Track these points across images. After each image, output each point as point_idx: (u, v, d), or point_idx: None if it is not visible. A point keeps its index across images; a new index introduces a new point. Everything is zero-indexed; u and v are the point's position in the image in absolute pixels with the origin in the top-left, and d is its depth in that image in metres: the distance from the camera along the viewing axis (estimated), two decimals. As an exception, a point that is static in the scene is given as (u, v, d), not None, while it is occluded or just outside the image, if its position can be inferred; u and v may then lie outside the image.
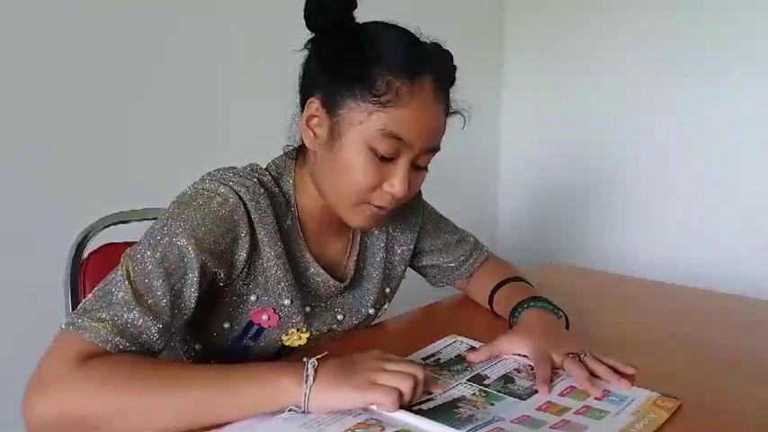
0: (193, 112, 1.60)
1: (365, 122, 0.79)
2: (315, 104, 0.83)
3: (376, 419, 0.67)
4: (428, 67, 0.81)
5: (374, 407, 0.68)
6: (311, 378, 0.67)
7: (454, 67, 0.87)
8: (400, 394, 0.68)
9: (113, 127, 1.47)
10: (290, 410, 0.66)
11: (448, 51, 0.87)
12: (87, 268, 1.01)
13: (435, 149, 0.85)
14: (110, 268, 0.75)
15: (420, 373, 0.71)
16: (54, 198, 1.37)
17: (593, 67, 2.28)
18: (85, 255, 1.02)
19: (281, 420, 0.66)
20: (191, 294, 0.75)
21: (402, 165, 0.81)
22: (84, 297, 0.97)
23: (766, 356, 0.95)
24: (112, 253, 1.02)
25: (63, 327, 0.69)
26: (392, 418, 0.67)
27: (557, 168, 2.45)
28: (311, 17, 0.81)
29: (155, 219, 1.08)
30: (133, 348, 0.69)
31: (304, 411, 0.66)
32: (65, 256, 1.01)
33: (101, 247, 1.03)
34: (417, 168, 0.85)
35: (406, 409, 0.68)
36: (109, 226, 1.05)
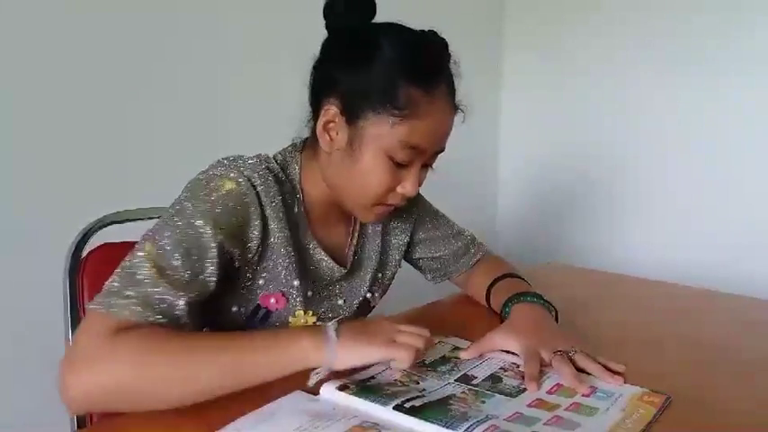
0: (193, 112, 1.61)
1: (386, 134, 0.82)
2: (332, 111, 0.84)
3: (372, 422, 0.67)
4: (442, 74, 0.84)
5: (392, 363, 0.76)
6: (333, 338, 0.72)
7: (451, 57, 0.88)
8: (417, 351, 0.75)
9: (113, 127, 1.47)
10: (316, 372, 0.71)
11: (444, 41, 0.88)
12: (86, 268, 1.01)
13: (443, 150, 0.89)
14: (109, 268, 0.75)
15: (428, 334, 0.79)
16: (53, 197, 1.38)
17: (593, 67, 2.29)
18: (84, 254, 1.02)
19: (279, 420, 0.67)
20: (211, 272, 0.77)
21: (415, 169, 0.87)
22: (83, 296, 0.99)
23: (765, 356, 0.95)
24: (111, 252, 1.02)
25: (91, 307, 0.70)
26: (388, 421, 0.67)
27: (556, 168, 2.45)
28: (331, 20, 0.84)
29: (154, 218, 1.09)
30: (161, 321, 0.71)
31: (330, 369, 0.72)
32: (63, 255, 1.01)
33: (99, 246, 1.04)
34: (424, 166, 0.89)
35: (400, 408, 0.69)
36: (107, 225, 1.06)
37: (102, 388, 0.66)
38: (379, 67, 0.81)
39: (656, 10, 2.11)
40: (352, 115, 0.83)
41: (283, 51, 1.74)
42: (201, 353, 0.69)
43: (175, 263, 0.74)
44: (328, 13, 0.85)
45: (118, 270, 0.74)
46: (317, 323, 0.94)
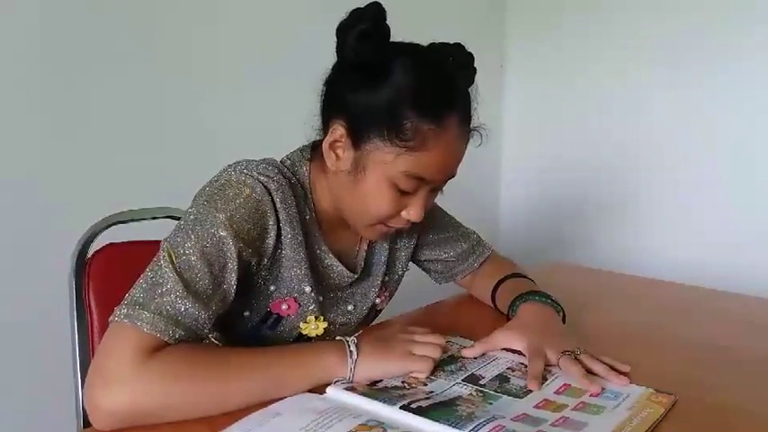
0: (196, 113, 1.61)
1: (390, 163, 0.81)
2: (339, 131, 0.84)
3: (377, 421, 0.67)
4: (455, 104, 0.83)
5: (414, 374, 0.79)
6: (355, 354, 0.76)
7: (475, 72, 0.86)
8: (434, 361, 0.79)
9: (117, 127, 1.48)
10: (336, 381, 0.75)
11: (469, 56, 0.86)
12: (92, 268, 1.01)
13: (454, 176, 0.88)
14: (114, 268, 0.76)
15: (443, 341, 0.84)
16: (58, 198, 1.38)
17: (595, 66, 2.29)
18: (89, 254, 1.03)
19: (285, 419, 0.67)
20: (231, 281, 0.78)
21: (421, 196, 0.86)
22: (89, 297, 0.99)
23: (765, 355, 0.95)
24: (116, 253, 1.03)
25: (117, 320, 0.70)
26: (394, 420, 0.67)
27: (558, 168, 2.45)
28: (343, 50, 0.82)
29: (159, 218, 1.09)
30: (186, 336, 0.72)
31: (350, 381, 0.76)
32: (68, 256, 1.02)
33: (104, 246, 1.04)
34: (433, 191, 0.88)
35: (406, 409, 0.69)
36: (112, 225, 1.06)
37: (133, 410, 0.67)
38: (388, 94, 0.80)
39: (657, 10, 2.11)
40: (357, 138, 0.82)
41: (284, 52, 1.74)
42: (231, 374, 0.72)
43: (199, 275, 0.74)
44: (341, 45, 0.82)
45: (141, 281, 0.74)
46: (330, 328, 0.94)
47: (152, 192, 1.17)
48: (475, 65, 0.86)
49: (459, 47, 0.86)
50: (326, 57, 0.87)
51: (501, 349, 0.89)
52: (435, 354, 0.81)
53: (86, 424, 0.92)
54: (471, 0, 2.41)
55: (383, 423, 0.66)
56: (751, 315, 1.16)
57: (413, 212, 0.86)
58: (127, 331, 0.69)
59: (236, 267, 0.78)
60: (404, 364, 0.79)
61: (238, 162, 0.87)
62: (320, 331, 0.93)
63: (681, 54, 2.07)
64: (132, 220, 1.09)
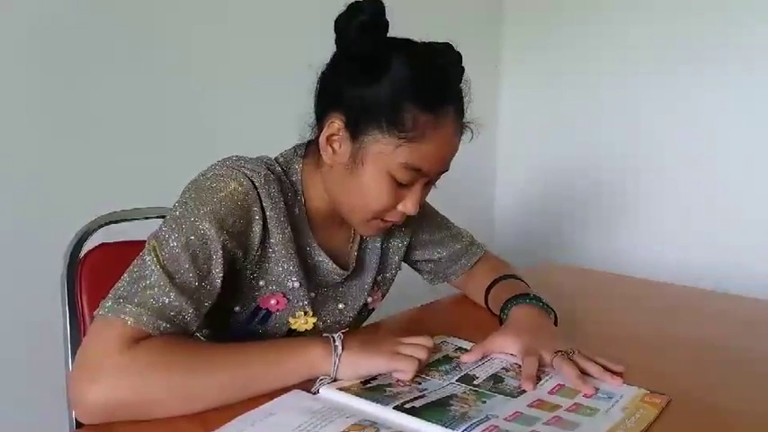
0: (191, 113, 1.61)
1: (389, 154, 0.82)
2: (336, 125, 0.84)
3: (370, 421, 0.66)
4: (451, 97, 0.84)
5: (394, 374, 0.77)
6: (339, 349, 0.76)
7: (463, 70, 0.87)
8: (419, 363, 0.78)
9: (116, 126, 1.47)
10: (320, 379, 0.75)
11: (458, 57, 0.87)
12: (84, 268, 1.01)
13: (447, 170, 0.89)
14: (106, 267, 0.76)
15: (431, 344, 0.83)
16: (50, 198, 1.38)
17: (592, 67, 2.29)
18: (82, 254, 1.02)
19: (279, 419, 0.67)
20: (217, 275, 0.78)
21: (417, 188, 0.87)
22: (82, 296, 0.99)
23: (764, 356, 0.95)
24: (109, 252, 1.03)
25: (102, 313, 0.71)
26: (387, 420, 0.67)
27: (554, 168, 2.45)
28: (343, 43, 0.83)
29: (151, 218, 1.09)
30: (172, 330, 0.72)
31: (334, 378, 0.75)
32: (61, 256, 1.01)
33: (97, 246, 1.04)
34: (427, 184, 0.89)
35: (399, 409, 0.68)
36: (105, 225, 1.06)
37: (120, 400, 0.67)
38: (386, 87, 0.81)
39: (656, 10, 2.11)
40: (355, 130, 0.83)
41: (284, 52, 1.74)
42: (211, 365, 0.71)
43: (183, 268, 0.75)
44: (340, 37, 0.83)
45: (125, 275, 0.74)
46: (317, 323, 0.94)
47: (151, 192, 1.16)
48: (462, 64, 0.87)
49: (448, 46, 0.87)
50: (327, 57, 0.87)
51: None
52: (421, 355, 0.79)
53: (78, 424, 0.92)
54: (469, 1, 2.41)
55: (376, 423, 0.66)
56: (749, 315, 1.16)
57: (409, 205, 0.87)
58: (111, 324, 0.70)
59: (221, 260, 0.78)
60: (388, 362, 0.77)
61: (228, 157, 0.88)
62: (309, 326, 0.93)
63: (678, 55, 2.07)
64: (125, 220, 1.09)
